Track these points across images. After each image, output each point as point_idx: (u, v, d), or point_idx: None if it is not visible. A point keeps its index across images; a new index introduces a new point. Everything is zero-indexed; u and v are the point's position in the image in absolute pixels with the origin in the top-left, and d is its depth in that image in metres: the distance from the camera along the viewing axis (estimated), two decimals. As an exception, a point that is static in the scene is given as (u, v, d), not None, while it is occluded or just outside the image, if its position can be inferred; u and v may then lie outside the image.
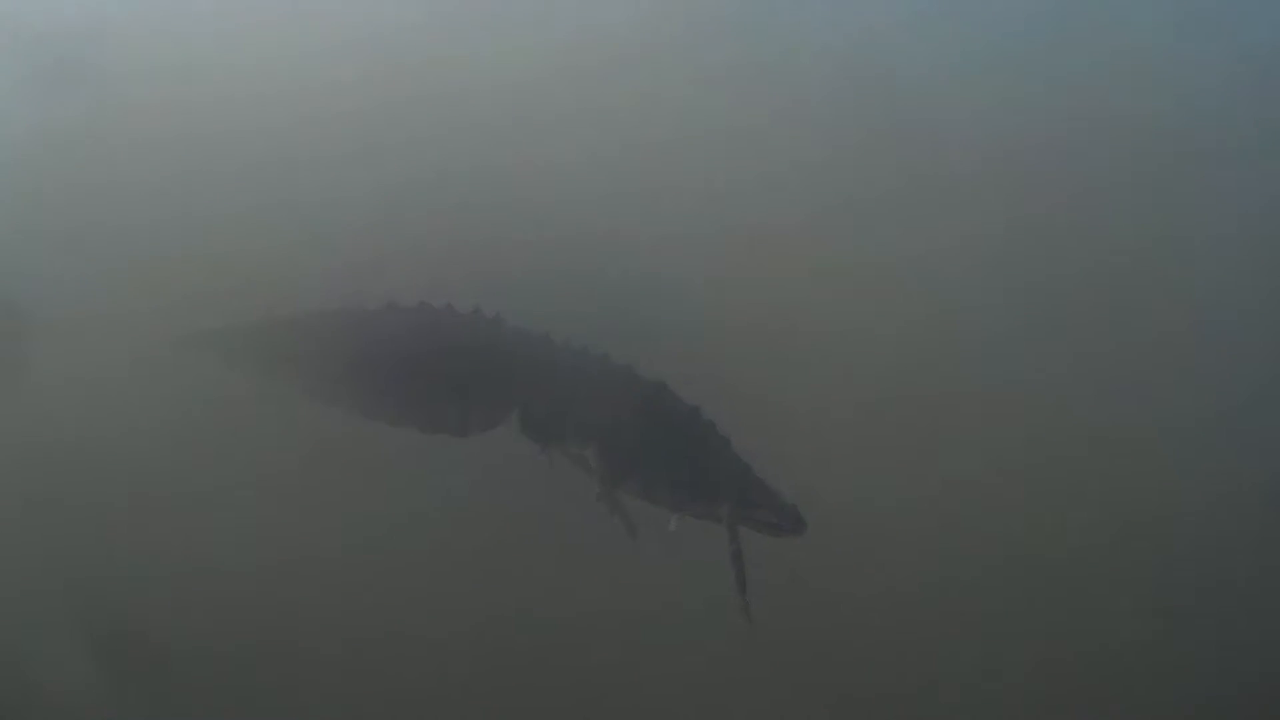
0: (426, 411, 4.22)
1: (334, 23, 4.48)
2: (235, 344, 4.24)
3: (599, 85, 4.53)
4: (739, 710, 3.82)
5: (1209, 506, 3.96)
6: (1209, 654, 3.76)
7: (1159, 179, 4.47)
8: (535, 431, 4.18)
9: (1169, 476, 4.02)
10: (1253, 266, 4.41)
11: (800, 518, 3.95)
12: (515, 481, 4.12)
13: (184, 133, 4.34)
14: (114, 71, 4.37)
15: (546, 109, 4.52)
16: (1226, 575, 3.87)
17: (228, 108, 4.37)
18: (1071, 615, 3.85)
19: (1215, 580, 3.86)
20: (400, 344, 4.26)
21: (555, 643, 3.85)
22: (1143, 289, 4.37)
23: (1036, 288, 4.36)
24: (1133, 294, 4.37)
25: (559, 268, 4.33)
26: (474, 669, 3.78)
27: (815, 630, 3.87)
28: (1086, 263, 4.41)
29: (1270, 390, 4.22)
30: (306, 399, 4.15)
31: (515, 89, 4.48)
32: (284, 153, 4.29)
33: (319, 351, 4.23)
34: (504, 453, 4.11)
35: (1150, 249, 4.41)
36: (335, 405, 4.19)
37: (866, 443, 4.08)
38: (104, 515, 3.84)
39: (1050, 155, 4.49)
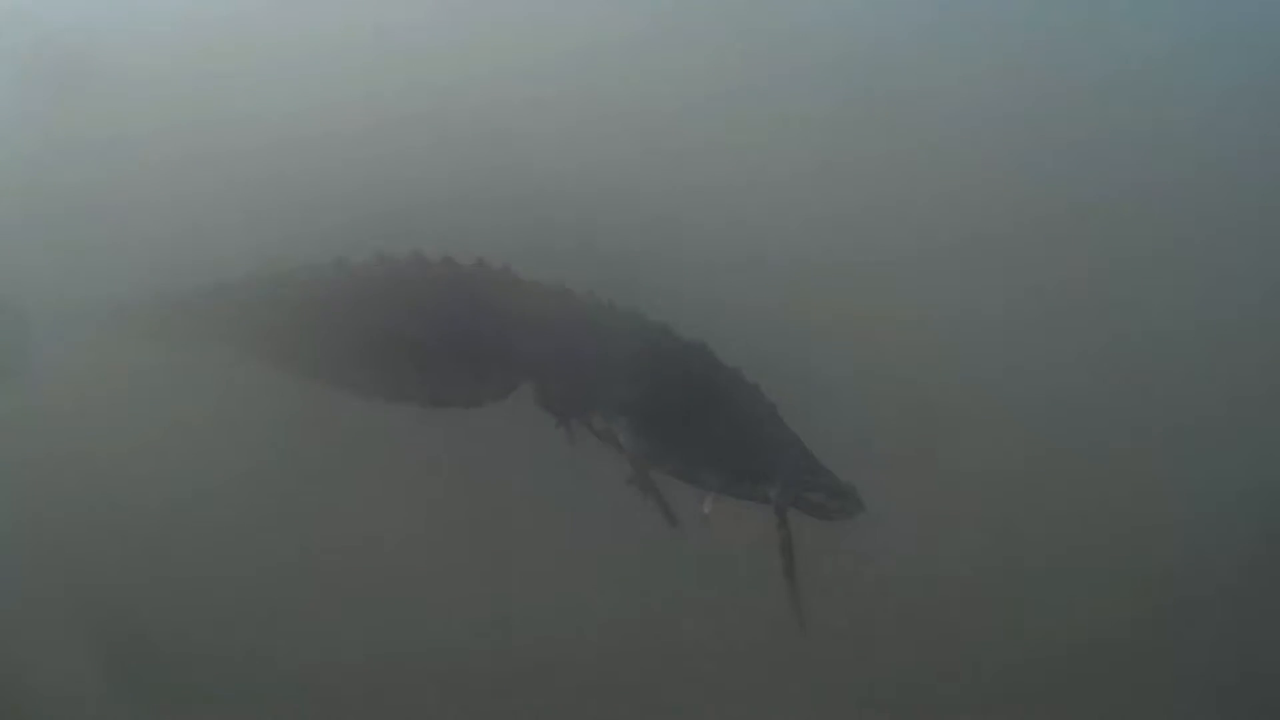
0: (430, 382, 3.66)
1: (343, 28, 4.47)
2: (185, 314, 3.74)
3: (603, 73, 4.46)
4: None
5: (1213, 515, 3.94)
6: (1207, 661, 3.76)
7: (1170, 184, 4.47)
8: (554, 402, 3.61)
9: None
10: (1262, 276, 4.40)
11: (858, 498, 3.45)
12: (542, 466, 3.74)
13: (187, 133, 4.34)
14: (116, 72, 4.37)
15: (549, 102, 4.47)
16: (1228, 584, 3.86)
17: (233, 110, 4.37)
18: (1070, 620, 3.76)
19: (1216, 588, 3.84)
20: (395, 303, 3.67)
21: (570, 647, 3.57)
22: (1149, 292, 4.36)
23: (1042, 289, 4.33)
24: (1138, 297, 4.36)
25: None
26: (484, 672, 3.63)
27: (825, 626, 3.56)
28: (1092, 265, 4.40)
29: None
30: (287, 375, 3.68)
31: (515, 83, 4.46)
32: (292, 153, 4.27)
33: (295, 318, 3.68)
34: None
35: (1160, 250, 4.38)
36: (323, 380, 3.67)
37: (862, 442, 3.85)
38: (107, 518, 3.84)
39: (1059, 160, 4.49)
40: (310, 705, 3.59)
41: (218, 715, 3.58)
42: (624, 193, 4.21)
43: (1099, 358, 4.26)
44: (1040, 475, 3.97)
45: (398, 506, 3.83)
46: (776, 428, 3.55)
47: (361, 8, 4.62)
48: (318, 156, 4.28)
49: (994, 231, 4.35)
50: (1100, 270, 4.41)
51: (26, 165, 4.29)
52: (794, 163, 4.41)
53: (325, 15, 4.56)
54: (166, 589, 3.74)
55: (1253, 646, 3.78)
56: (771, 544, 3.47)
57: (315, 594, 3.72)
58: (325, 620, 3.69)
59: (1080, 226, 4.44)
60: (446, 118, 4.37)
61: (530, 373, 3.64)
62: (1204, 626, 3.79)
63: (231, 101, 4.43)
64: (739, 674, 3.61)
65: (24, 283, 4.10)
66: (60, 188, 4.26)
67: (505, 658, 3.67)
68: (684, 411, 3.54)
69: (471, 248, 3.86)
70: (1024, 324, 4.28)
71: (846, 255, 4.23)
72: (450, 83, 4.39)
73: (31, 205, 4.24)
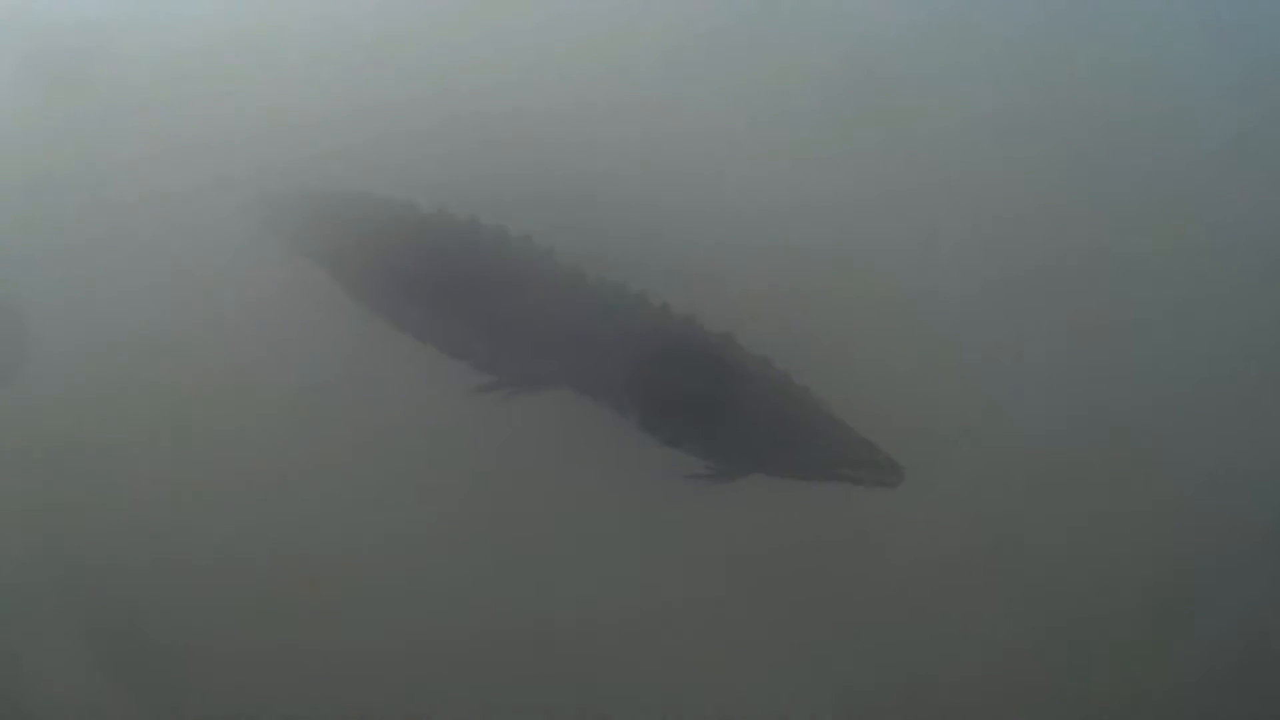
0: (462, 338, 3.83)
1: (350, 25, 4.45)
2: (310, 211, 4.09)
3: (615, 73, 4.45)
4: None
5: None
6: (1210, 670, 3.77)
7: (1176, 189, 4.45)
8: (582, 383, 3.71)
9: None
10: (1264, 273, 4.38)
11: (897, 465, 3.57)
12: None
13: (187, 133, 4.33)
14: (116, 71, 4.37)
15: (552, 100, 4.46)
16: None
17: (234, 109, 4.36)
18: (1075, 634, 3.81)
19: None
20: (464, 261, 3.88)
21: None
22: (1154, 286, 4.35)
23: (1041, 294, 4.32)
24: (1141, 290, 4.35)
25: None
26: (485, 668, 3.70)
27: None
28: (1094, 259, 4.38)
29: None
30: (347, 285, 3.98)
31: (516, 82, 4.44)
32: (292, 152, 4.26)
33: (387, 244, 3.96)
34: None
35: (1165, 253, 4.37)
36: (378, 304, 3.92)
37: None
38: (106, 518, 3.85)
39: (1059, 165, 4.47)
40: (309, 704, 3.61)
41: (215, 714, 3.59)
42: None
43: (1101, 350, 4.24)
44: (1040, 469, 3.98)
45: (403, 501, 3.84)
46: (808, 405, 3.66)
47: (366, 5, 4.60)
48: (319, 155, 4.28)
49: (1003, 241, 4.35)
50: (1103, 264, 4.39)
51: (26, 165, 4.30)
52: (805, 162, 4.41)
53: (330, 12, 4.55)
54: (164, 589, 3.76)
55: (1256, 643, 3.78)
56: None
57: (315, 591, 3.73)
58: (325, 618, 3.71)
59: (1082, 221, 4.42)
60: (450, 114, 4.36)
61: (561, 358, 3.76)
62: (1208, 620, 3.80)
63: (233, 100, 4.42)
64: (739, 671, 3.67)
65: (24, 283, 4.11)
66: (60, 188, 4.26)
67: (508, 655, 3.69)
68: (708, 399, 3.65)
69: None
70: (1029, 317, 4.26)
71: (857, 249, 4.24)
72: (459, 77, 4.38)
73: (31, 205, 4.25)
